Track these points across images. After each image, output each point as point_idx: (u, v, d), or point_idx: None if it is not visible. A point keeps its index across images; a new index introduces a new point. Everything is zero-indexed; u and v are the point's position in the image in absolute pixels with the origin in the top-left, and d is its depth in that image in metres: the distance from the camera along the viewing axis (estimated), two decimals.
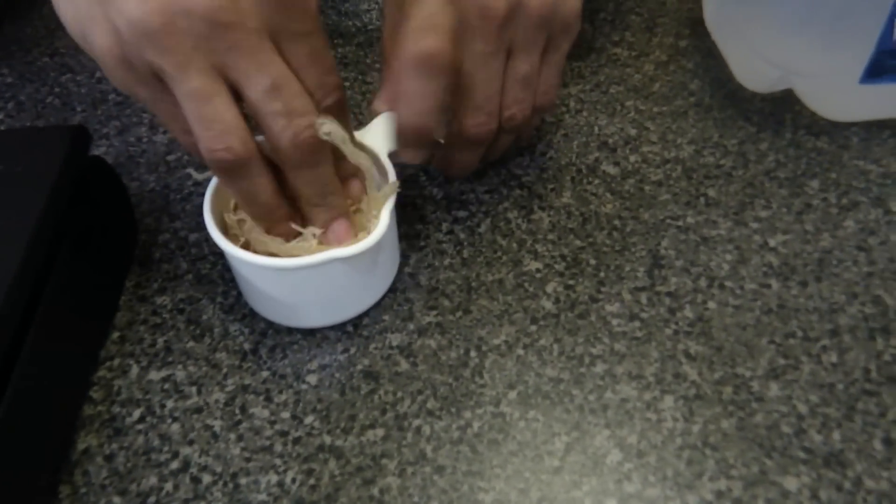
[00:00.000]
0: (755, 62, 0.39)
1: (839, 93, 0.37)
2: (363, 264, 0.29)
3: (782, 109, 0.40)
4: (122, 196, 0.34)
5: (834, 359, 0.30)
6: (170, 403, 0.29)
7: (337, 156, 0.28)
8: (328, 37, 0.35)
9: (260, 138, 0.26)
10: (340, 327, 0.31)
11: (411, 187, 0.37)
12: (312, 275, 0.28)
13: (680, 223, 0.35)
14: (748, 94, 0.41)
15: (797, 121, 0.39)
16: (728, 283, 0.33)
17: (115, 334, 0.31)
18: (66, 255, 0.29)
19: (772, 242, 0.34)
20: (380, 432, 0.28)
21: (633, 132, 0.39)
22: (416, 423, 0.28)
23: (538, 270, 0.33)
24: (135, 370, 0.30)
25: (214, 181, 0.30)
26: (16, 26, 0.47)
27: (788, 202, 0.36)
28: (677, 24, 0.45)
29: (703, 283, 0.33)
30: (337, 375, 0.30)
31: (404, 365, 0.30)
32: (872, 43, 0.34)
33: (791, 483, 0.27)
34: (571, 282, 0.33)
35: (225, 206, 0.31)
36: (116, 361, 0.30)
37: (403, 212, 0.36)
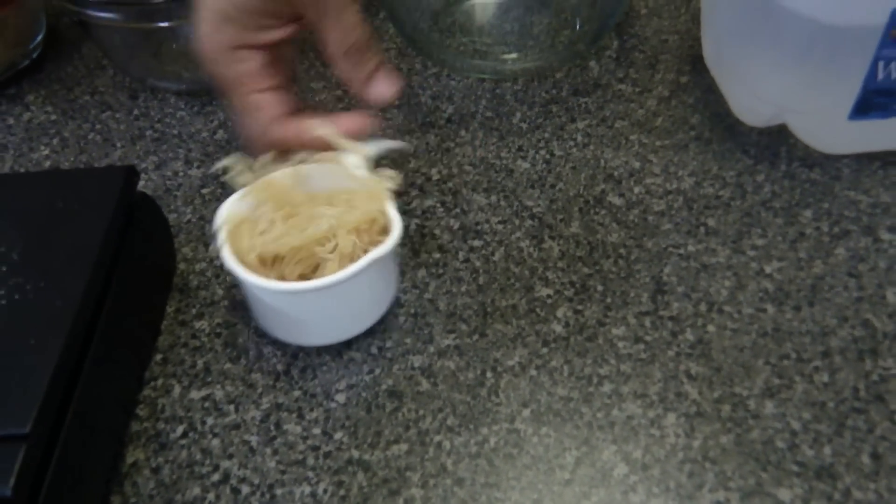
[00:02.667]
0: (751, 98, 0.41)
1: (830, 128, 0.39)
2: (377, 272, 0.32)
3: (778, 142, 0.42)
4: (164, 228, 0.36)
5: (825, 379, 0.32)
6: (210, 420, 0.32)
7: None
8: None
9: None
10: (366, 349, 0.34)
11: (430, 218, 0.39)
12: (330, 292, 0.31)
13: (681, 251, 0.37)
14: (746, 128, 0.43)
15: (792, 153, 0.42)
16: (726, 308, 0.35)
17: (159, 356, 0.34)
18: (117, 284, 0.31)
19: (767, 269, 0.36)
20: (403, 447, 0.31)
21: (637, 165, 0.42)
22: (437, 438, 0.31)
23: (549, 296, 0.36)
24: (177, 390, 0.33)
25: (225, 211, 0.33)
26: (58, 65, 0.50)
27: (783, 231, 0.38)
28: (678, 62, 0.48)
29: (703, 307, 0.35)
30: (363, 394, 0.32)
31: (425, 385, 0.32)
32: (859, 82, 0.37)
33: (785, 494, 0.29)
34: (580, 307, 0.35)
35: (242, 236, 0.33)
36: (160, 382, 0.33)
37: (423, 241, 0.38)
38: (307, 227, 0.33)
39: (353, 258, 0.32)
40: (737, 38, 0.41)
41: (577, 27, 0.49)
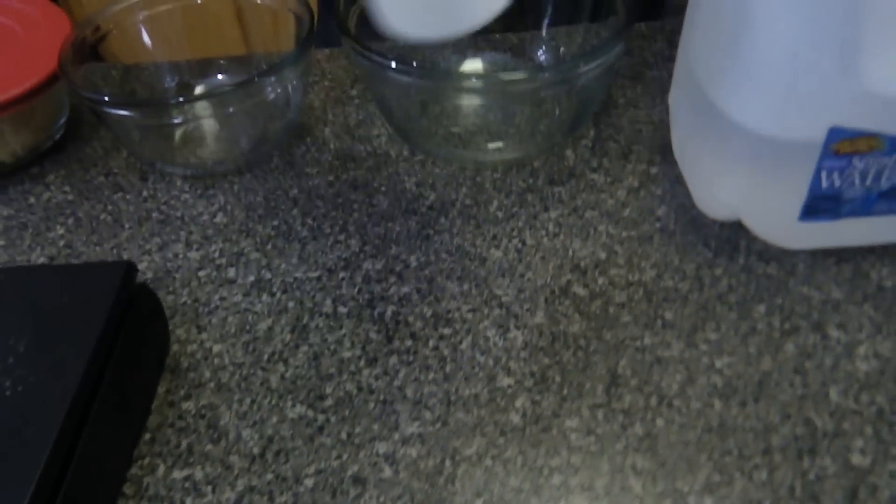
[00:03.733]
0: (709, 195, 0.44)
1: (781, 227, 0.42)
2: None
3: (738, 235, 0.45)
4: (160, 316, 0.40)
5: (764, 476, 0.34)
6: (189, 500, 0.35)
7: None
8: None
9: None
10: (336, 434, 0.37)
11: (405, 305, 0.42)
12: None
13: (638, 343, 0.40)
14: (708, 221, 0.46)
15: (751, 247, 0.44)
16: (676, 402, 0.37)
17: (147, 436, 0.37)
18: (113, 371, 0.35)
19: (718, 364, 0.39)
20: None
21: (602, 255, 0.44)
22: None
23: (510, 386, 0.38)
24: (161, 469, 0.36)
25: None
26: (78, 146, 0.55)
27: (736, 325, 0.40)
28: (650, 152, 0.51)
29: (653, 401, 0.37)
30: (330, 480, 0.35)
31: (388, 472, 0.35)
32: (805, 188, 0.39)
33: None
34: (538, 397, 0.38)
35: None
36: (147, 461, 0.36)
37: (397, 328, 0.41)
38: None
39: None
40: (694, 138, 0.44)
41: (556, 115, 0.52)
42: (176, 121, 0.47)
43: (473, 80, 0.44)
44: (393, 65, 0.44)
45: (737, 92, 0.38)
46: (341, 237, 0.47)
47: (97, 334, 0.34)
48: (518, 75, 0.44)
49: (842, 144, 0.37)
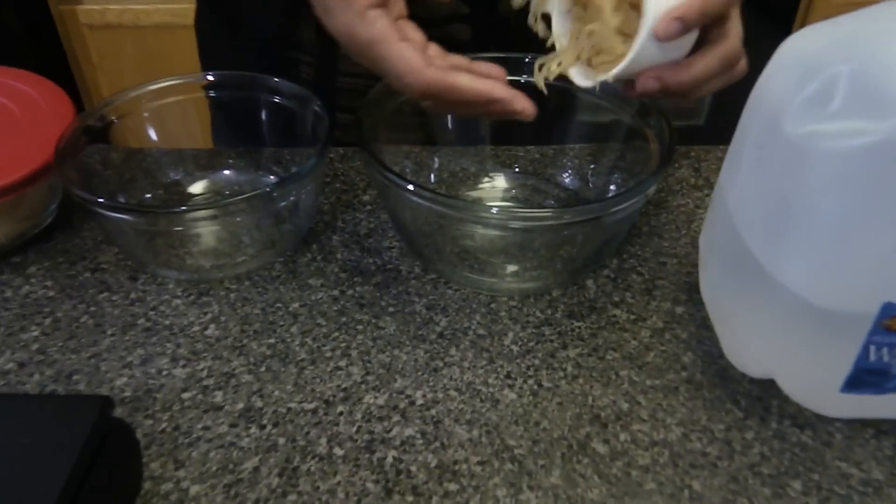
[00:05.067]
0: (741, 351, 0.41)
1: (820, 395, 0.39)
2: None
3: (770, 394, 0.42)
4: (134, 452, 0.36)
5: None
6: None
7: None
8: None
9: None
10: None
11: (408, 451, 0.38)
12: None
13: None
14: (738, 374, 0.43)
15: (783, 409, 0.41)
16: None
17: None
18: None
19: None
20: None
21: (625, 406, 0.41)
22: None
23: None
24: None
25: None
26: (67, 236, 0.52)
27: (770, 503, 0.37)
28: (675, 289, 0.48)
29: None
30: None
31: None
32: (851, 360, 0.36)
33: None
34: None
35: None
36: None
37: (398, 479, 0.37)
38: None
39: None
40: (729, 291, 0.41)
41: (579, 242, 0.50)
42: (180, 229, 0.44)
43: (493, 212, 0.42)
44: (410, 187, 0.41)
45: (785, 255, 0.35)
46: (343, 363, 0.43)
47: (68, 471, 0.30)
48: (542, 213, 0.41)
49: (894, 321, 0.34)
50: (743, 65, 0.43)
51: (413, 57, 0.39)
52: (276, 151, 0.57)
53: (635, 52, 0.38)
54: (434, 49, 0.43)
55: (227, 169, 0.54)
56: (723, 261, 0.42)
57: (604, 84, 0.41)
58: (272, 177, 0.55)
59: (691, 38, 0.40)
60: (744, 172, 0.38)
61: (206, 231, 0.49)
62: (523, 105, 0.40)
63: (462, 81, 0.39)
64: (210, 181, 0.53)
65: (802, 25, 1.48)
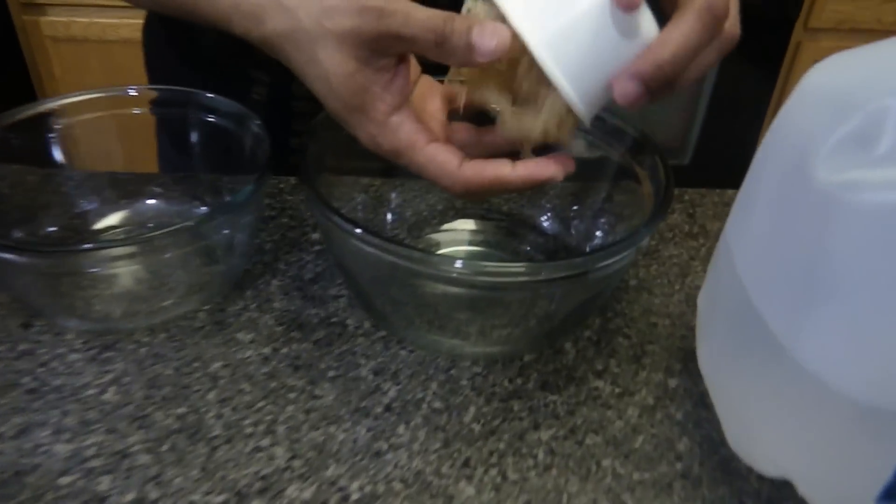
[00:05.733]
0: (752, 444, 0.34)
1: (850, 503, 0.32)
2: None
3: (784, 496, 0.34)
4: None
5: None
6: None
7: None
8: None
9: None
10: None
11: None
12: None
13: None
14: (744, 468, 0.35)
15: None
16: None
17: None
18: None
19: None
20: None
21: None
22: None
23: None
24: None
25: None
26: None
27: None
28: (668, 356, 0.41)
29: None
30: None
31: None
32: (893, 463, 0.29)
33: None
34: None
35: None
36: None
37: None
38: None
39: None
40: (736, 367, 0.34)
41: (558, 297, 0.42)
42: (90, 270, 0.37)
43: (456, 266, 0.35)
44: (358, 231, 0.34)
45: (811, 331, 0.28)
46: (265, 442, 0.35)
47: None
48: (514, 268, 0.34)
49: None
50: (733, 24, 0.36)
51: (445, 160, 0.34)
52: (215, 179, 0.49)
53: (570, 81, 0.32)
54: (464, 131, 0.38)
55: (153, 198, 0.47)
56: (728, 329, 0.35)
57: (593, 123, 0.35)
58: (205, 208, 0.47)
59: (644, 15, 0.32)
60: (758, 226, 0.31)
61: (122, 271, 0.41)
62: (560, 174, 0.35)
63: (505, 173, 0.34)
64: (132, 212, 0.46)
65: (790, 70, 1.45)
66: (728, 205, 0.54)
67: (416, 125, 0.35)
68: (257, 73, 0.55)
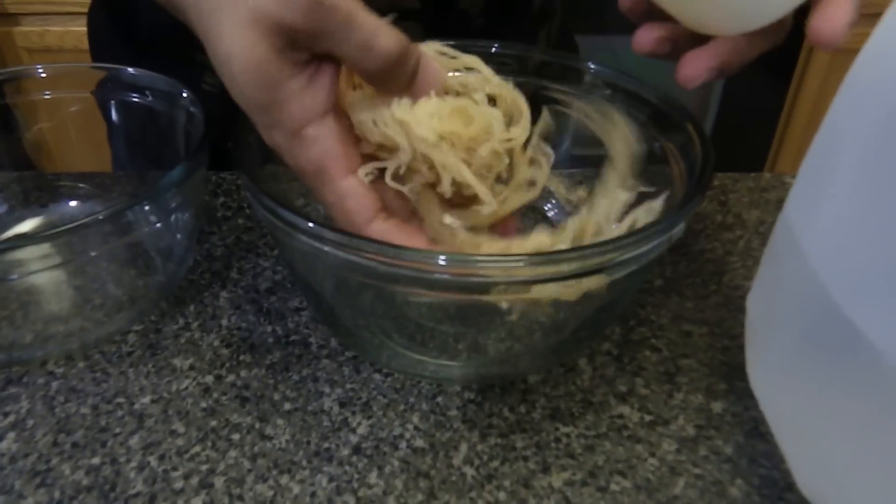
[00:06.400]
0: (831, 478, 0.26)
1: None
2: None
3: None
4: None
5: None
6: None
7: None
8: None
9: None
10: None
11: None
12: None
13: None
14: None
15: None
16: None
17: None
18: None
19: None
20: None
21: None
22: None
23: None
24: None
25: None
26: None
27: None
28: (708, 373, 0.33)
29: None
30: None
31: None
32: None
33: None
34: None
35: None
36: None
37: None
38: None
39: None
40: (808, 386, 0.26)
41: (567, 307, 0.34)
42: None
43: (439, 262, 0.27)
44: (309, 226, 0.26)
45: None
46: (198, 501, 0.27)
47: None
48: (512, 263, 0.26)
49: None
50: None
51: (355, 208, 0.28)
52: (160, 176, 0.42)
53: None
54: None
55: (75, 198, 0.39)
56: (795, 338, 0.27)
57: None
58: None
59: None
60: (838, 207, 0.23)
61: (34, 283, 0.34)
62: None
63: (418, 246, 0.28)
64: (51, 216, 0.38)
65: (802, 77, 1.38)
66: (766, 190, 0.46)
67: (336, 146, 0.27)
68: (205, 58, 0.48)
